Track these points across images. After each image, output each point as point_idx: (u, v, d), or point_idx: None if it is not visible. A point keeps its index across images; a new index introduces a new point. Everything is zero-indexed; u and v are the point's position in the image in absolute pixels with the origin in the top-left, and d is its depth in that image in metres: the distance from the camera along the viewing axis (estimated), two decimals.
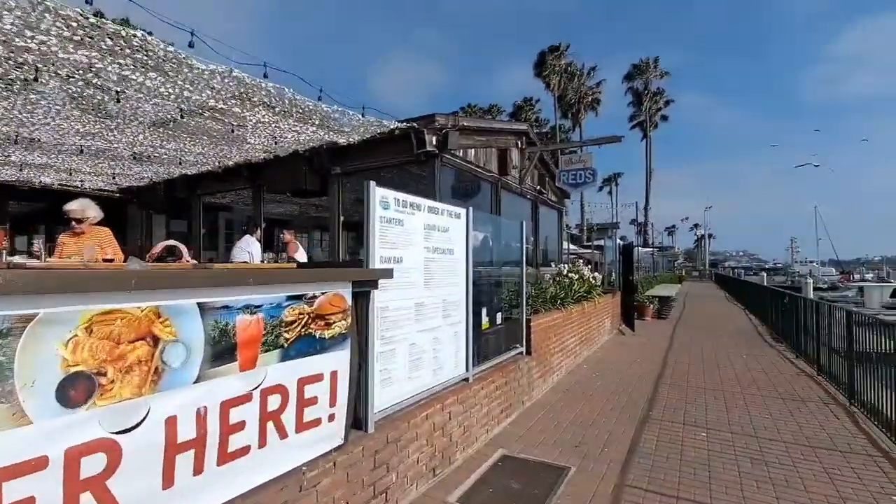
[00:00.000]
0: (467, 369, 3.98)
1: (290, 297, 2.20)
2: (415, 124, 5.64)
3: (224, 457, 1.93)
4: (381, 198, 2.98)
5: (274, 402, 2.15)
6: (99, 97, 4.55)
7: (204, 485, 1.85)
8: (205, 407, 1.84)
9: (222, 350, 1.91)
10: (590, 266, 9.47)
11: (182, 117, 5.10)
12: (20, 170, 7.74)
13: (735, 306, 18.66)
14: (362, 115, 4.96)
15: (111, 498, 1.56)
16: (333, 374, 2.45)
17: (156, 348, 1.69)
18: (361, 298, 2.73)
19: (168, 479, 1.73)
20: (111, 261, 3.73)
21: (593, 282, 8.79)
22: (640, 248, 27.89)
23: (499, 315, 5.09)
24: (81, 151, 6.44)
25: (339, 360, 2.48)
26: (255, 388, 2.05)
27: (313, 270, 2.82)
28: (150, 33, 3.64)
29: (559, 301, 6.55)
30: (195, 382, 1.81)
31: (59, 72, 3.95)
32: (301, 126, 5.60)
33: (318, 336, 2.36)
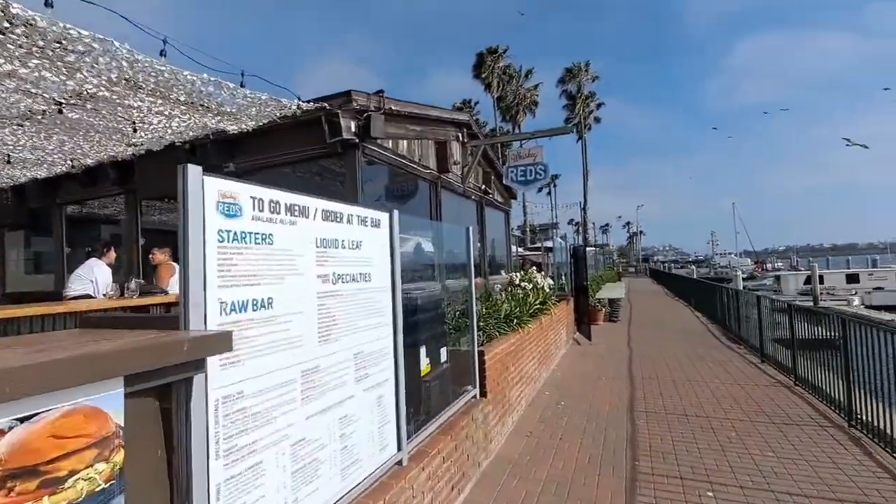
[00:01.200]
0: (399, 447, 2.72)
1: None
2: (326, 104, 4.31)
3: None
4: (222, 195, 1.65)
5: None
6: None
7: None
8: None
9: None
10: (541, 272, 8.57)
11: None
12: None
13: (677, 302, 18.83)
14: (241, 86, 3.56)
15: None
16: None
17: None
18: (166, 397, 1.40)
19: None
20: None
21: (547, 290, 7.85)
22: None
23: (443, 351, 3.88)
24: None
25: None
26: None
27: None
28: None
29: (514, 320, 5.47)
30: None
31: None
32: (168, 107, 4.09)
33: None
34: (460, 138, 7.39)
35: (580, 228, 46.77)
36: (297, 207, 2.01)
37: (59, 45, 2.88)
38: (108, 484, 1.17)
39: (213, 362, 1.57)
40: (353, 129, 4.49)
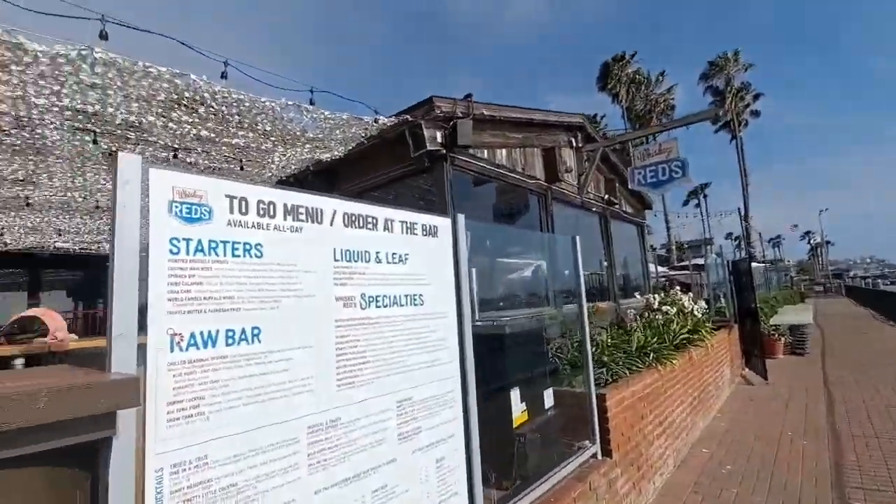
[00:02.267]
0: None
1: None
2: (407, 116, 4.00)
3: None
4: (179, 193, 1.27)
5: None
6: None
7: None
8: None
9: None
10: (689, 293, 7.01)
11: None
12: None
13: (893, 327, 14.27)
14: (311, 103, 3.39)
15: None
16: None
17: None
18: (43, 473, 0.99)
19: None
20: None
21: (698, 314, 6.32)
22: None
23: (547, 393, 3.08)
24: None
25: None
26: None
27: None
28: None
29: (651, 353, 4.32)
30: None
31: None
32: (260, 141, 4.21)
33: None
34: (574, 143, 6.52)
35: (741, 242, 39.97)
36: (302, 209, 1.56)
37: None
38: None
39: (154, 419, 1.14)
40: (438, 139, 4.09)
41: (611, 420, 3.24)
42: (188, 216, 1.27)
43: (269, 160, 4.64)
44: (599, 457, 3.13)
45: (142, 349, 1.16)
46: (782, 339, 9.70)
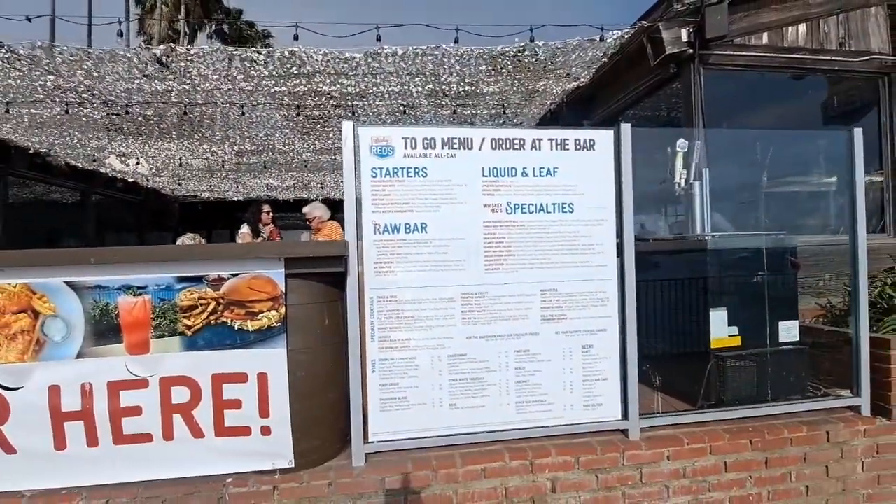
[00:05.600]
0: (626, 416, 2.24)
1: (181, 279, 1.88)
2: (643, 22, 3.65)
3: (120, 437, 1.87)
4: (374, 140, 2.09)
5: (180, 394, 1.90)
6: None
7: (100, 457, 1.86)
8: (90, 383, 1.84)
9: (104, 329, 1.85)
10: None
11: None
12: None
13: None
14: (531, 41, 3.64)
15: (5, 440, 1.81)
16: (262, 378, 1.92)
17: (36, 321, 1.82)
18: (321, 283, 2.01)
19: (60, 442, 1.84)
20: None
21: None
22: None
23: (785, 326, 2.63)
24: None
25: (268, 361, 1.92)
26: (152, 375, 1.88)
27: (203, 247, 2.31)
28: None
29: None
30: (77, 357, 1.84)
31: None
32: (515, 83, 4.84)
33: (236, 328, 1.91)
34: None
35: None
36: (456, 140, 2.14)
37: None
38: (277, 324, 1.93)
39: (367, 269, 2.07)
40: (683, 38, 3.55)
41: (889, 374, 2.44)
42: (380, 153, 2.09)
43: (526, 101, 5.25)
44: (866, 412, 2.46)
45: (360, 232, 2.08)
46: None
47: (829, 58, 3.98)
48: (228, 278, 1.90)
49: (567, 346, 2.23)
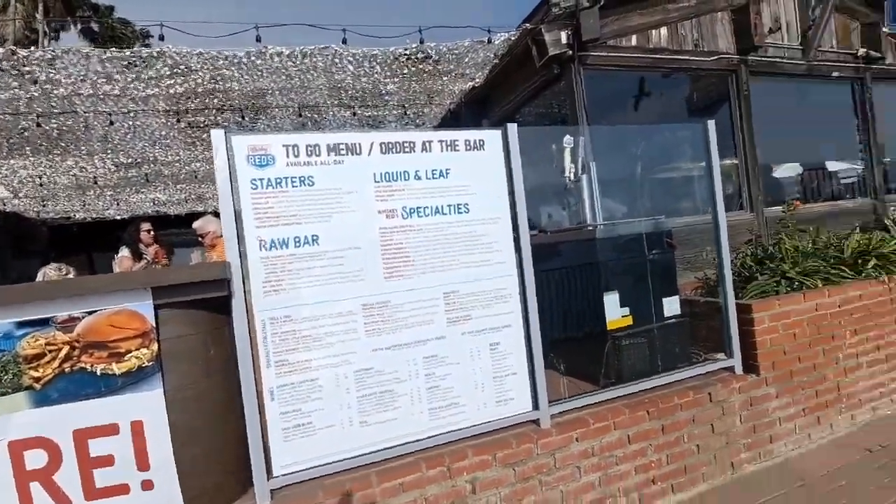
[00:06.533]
0: (536, 406, 2.31)
1: (21, 324, 1.58)
2: (527, 25, 3.84)
3: None
4: (251, 149, 1.92)
5: (35, 458, 1.60)
6: None
7: None
8: None
9: None
10: None
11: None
12: None
13: None
14: (421, 42, 3.67)
15: None
16: (137, 426, 1.68)
17: None
18: (202, 310, 1.82)
19: None
20: None
21: None
22: None
23: (668, 301, 2.88)
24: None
25: (142, 406, 1.69)
26: None
27: (46, 284, 2.09)
28: None
29: (870, 260, 3.25)
30: None
31: None
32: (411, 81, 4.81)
33: (99, 373, 1.65)
34: None
35: None
36: (343, 146, 2.04)
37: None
38: (150, 363, 1.70)
39: (255, 289, 1.90)
40: (563, 40, 3.79)
41: (760, 334, 2.78)
42: (259, 163, 1.93)
43: (426, 101, 5.25)
44: (739, 371, 2.78)
45: (243, 250, 1.90)
46: None
47: (687, 57, 4.47)
48: (83, 317, 1.63)
49: (474, 346, 2.24)
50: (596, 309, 2.70)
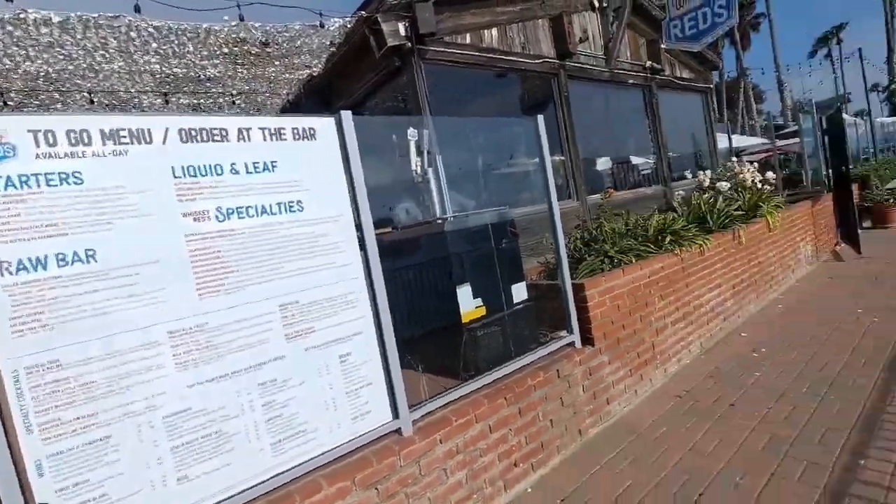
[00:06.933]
0: (397, 415, 2.15)
1: None
2: (363, 12, 3.68)
3: None
4: None
5: None
6: None
7: None
8: None
9: None
10: (754, 164, 5.97)
11: None
12: None
13: None
14: (241, 19, 3.26)
15: None
16: None
17: None
18: None
19: None
20: None
21: (760, 187, 5.46)
22: (881, 120, 19.27)
23: (517, 288, 3.00)
24: None
25: None
26: None
27: None
28: None
29: (668, 237, 3.89)
30: None
31: None
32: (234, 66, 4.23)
33: None
34: (596, 2, 5.50)
35: (887, 92, 32.49)
36: (124, 132, 1.59)
37: None
38: None
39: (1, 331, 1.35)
40: (401, 31, 3.73)
41: (592, 309, 3.08)
42: None
43: (257, 89, 4.69)
44: (578, 345, 3.04)
45: None
46: None
47: (516, 59, 4.81)
48: None
49: (322, 362, 1.98)
50: (450, 303, 2.67)
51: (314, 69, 4.67)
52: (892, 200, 7.94)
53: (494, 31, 4.56)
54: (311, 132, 2.02)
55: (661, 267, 3.71)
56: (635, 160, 6.77)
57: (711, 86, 8.12)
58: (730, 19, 4.83)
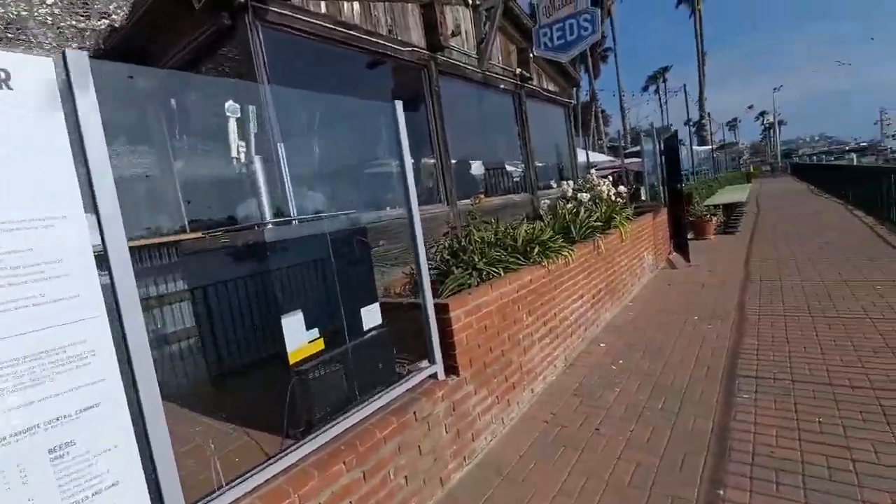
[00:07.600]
0: None
1: None
2: None
3: None
4: None
5: None
6: None
7: None
8: None
9: None
10: (608, 178, 6.37)
11: None
12: None
13: (826, 200, 14.56)
14: None
15: None
16: None
17: None
18: None
19: None
20: None
21: (614, 199, 5.75)
22: (695, 148, 23.34)
23: (368, 312, 2.41)
24: None
25: None
26: None
27: None
28: None
29: (536, 248, 3.71)
30: None
31: None
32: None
33: None
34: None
35: (697, 125, 39.77)
36: None
37: None
38: None
39: None
40: None
41: (458, 333, 2.67)
42: None
43: (19, 33, 3.37)
44: (442, 377, 2.59)
45: None
46: (714, 218, 9.50)
47: (383, 42, 4.25)
48: None
49: (16, 463, 1.16)
50: (275, 336, 1.98)
51: (114, 20, 3.52)
52: (708, 216, 9.30)
53: (356, 6, 3.92)
54: (4, 75, 1.19)
55: (530, 280, 3.49)
56: (508, 166, 6.76)
57: (573, 102, 8.60)
58: (594, 34, 4.97)
